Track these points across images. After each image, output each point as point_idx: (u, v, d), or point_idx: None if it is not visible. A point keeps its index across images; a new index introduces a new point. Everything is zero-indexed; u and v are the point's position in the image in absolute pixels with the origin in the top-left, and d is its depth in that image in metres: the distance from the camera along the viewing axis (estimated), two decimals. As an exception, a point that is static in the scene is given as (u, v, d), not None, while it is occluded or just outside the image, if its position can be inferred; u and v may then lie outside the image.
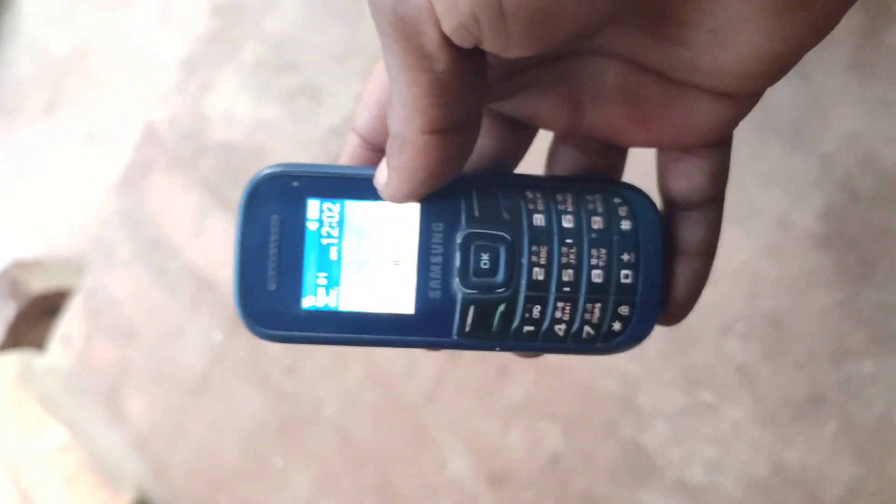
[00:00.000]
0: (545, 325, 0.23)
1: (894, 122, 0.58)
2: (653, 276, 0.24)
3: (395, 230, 0.23)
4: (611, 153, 0.25)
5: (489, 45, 0.17)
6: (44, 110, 1.01)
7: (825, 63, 0.58)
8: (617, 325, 0.24)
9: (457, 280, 0.23)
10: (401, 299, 0.23)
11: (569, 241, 0.23)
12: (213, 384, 0.82)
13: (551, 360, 0.69)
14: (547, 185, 0.24)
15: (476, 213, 0.23)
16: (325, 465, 0.78)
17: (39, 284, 0.93)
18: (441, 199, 0.23)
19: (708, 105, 0.21)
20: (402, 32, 0.17)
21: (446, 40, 0.17)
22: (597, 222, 0.23)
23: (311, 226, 0.23)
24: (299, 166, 0.23)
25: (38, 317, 0.94)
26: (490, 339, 0.23)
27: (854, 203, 0.59)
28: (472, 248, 0.23)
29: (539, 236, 0.23)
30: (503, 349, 0.24)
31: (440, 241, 0.23)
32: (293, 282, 0.23)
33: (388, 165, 0.21)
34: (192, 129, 0.81)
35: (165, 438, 0.86)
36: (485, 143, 0.24)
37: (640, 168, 0.28)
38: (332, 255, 0.23)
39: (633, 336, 0.24)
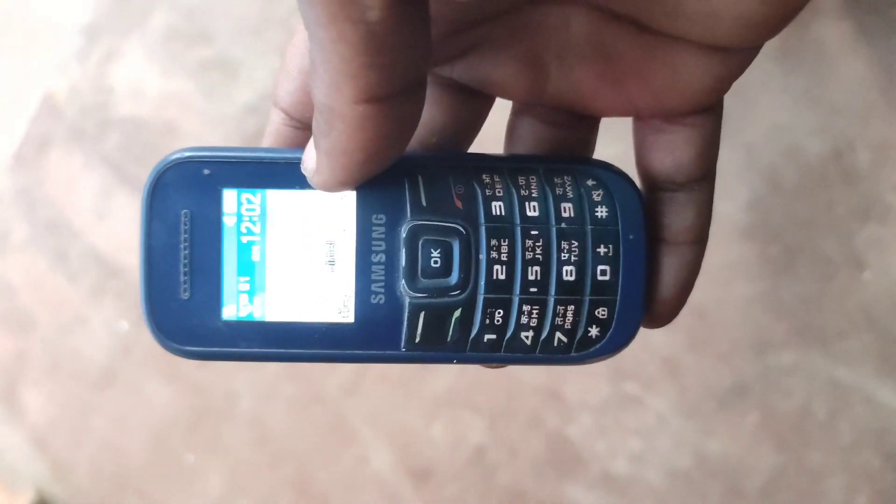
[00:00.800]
0: (509, 332, 0.20)
1: (817, 114, 0.58)
2: (635, 272, 0.21)
3: (329, 224, 0.20)
4: (580, 124, 0.22)
5: None
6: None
7: (753, 51, 0.58)
8: (594, 331, 0.21)
9: (403, 282, 0.20)
10: (338, 306, 0.20)
11: (534, 232, 0.20)
12: (119, 377, 0.77)
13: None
14: (507, 167, 0.20)
15: (423, 202, 0.20)
16: (241, 461, 0.75)
17: (-74, 269, 0.85)
18: (381, 185, 0.19)
19: (695, 61, 0.18)
20: None
21: None
22: (567, 209, 0.20)
23: (229, 221, 0.19)
24: (212, 150, 0.20)
25: (-75, 304, 0.86)
26: (445, 350, 0.20)
27: (777, 194, 0.59)
28: (420, 243, 0.20)
29: (499, 228, 0.20)
30: (462, 361, 0.21)
31: (382, 235, 0.20)
32: (210, 288, 0.20)
33: (317, 147, 0.17)
34: (95, 102, 0.75)
35: (67, 435, 0.80)
36: (432, 115, 0.20)
37: (618, 142, 0.23)
38: (255, 255, 0.20)
39: (613, 342, 0.21)
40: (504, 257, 0.20)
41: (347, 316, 0.20)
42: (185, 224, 0.19)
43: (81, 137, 0.76)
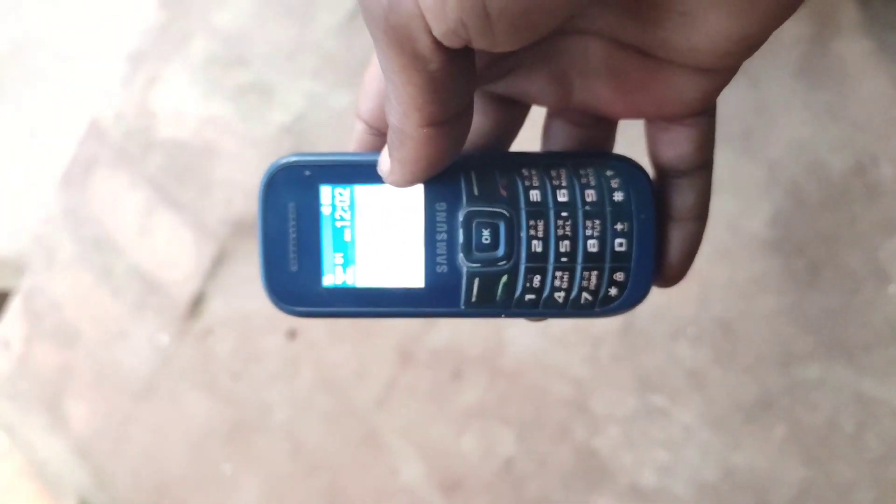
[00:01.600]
0: (545, 293, 0.25)
1: (839, 129, 0.59)
2: (646, 243, 0.25)
3: (403, 211, 0.25)
4: (602, 125, 0.26)
5: (478, 45, 0.18)
6: (-15, 104, 0.97)
7: (773, 70, 0.59)
8: (613, 291, 0.25)
9: (461, 255, 0.25)
10: (411, 274, 0.25)
11: (564, 214, 0.24)
12: (159, 389, 0.80)
13: (505, 363, 0.68)
14: (541, 162, 0.25)
15: (476, 192, 0.25)
16: (275, 471, 0.77)
17: (-23, 285, 0.89)
18: (442, 179, 0.24)
19: (686, 79, 0.22)
20: (395, 39, 0.18)
21: (437, 43, 0.18)
22: (590, 195, 0.25)
23: (325, 210, 0.25)
24: (310, 155, 0.25)
25: (-24, 319, 0.90)
26: (495, 307, 0.25)
27: (801, 209, 0.59)
28: (474, 224, 0.25)
29: (536, 211, 0.24)
30: (508, 316, 0.25)
31: (444, 219, 0.25)
32: (313, 262, 0.25)
33: (391, 156, 0.22)
34: (139, 125, 0.79)
35: (109, 445, 0.83)
36: (481, 121, 0.26)
37: (634, 139, 0.28)
38: (347, 237, 0.25)
39: (629, 299, 0.25)
40: (540, 234, 0.24)
41: (419, 282, 0.25)
42: (292, 213, 0.25)
43: (126, 159, 0.79)
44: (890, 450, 0.58)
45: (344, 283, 0.25)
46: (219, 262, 0.77)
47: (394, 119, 0.21)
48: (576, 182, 0.25)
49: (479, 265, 0.25)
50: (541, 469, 0.68)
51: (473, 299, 0.25)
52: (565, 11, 0.18)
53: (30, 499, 0.84)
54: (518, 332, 0.68)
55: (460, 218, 0.25)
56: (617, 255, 0.25)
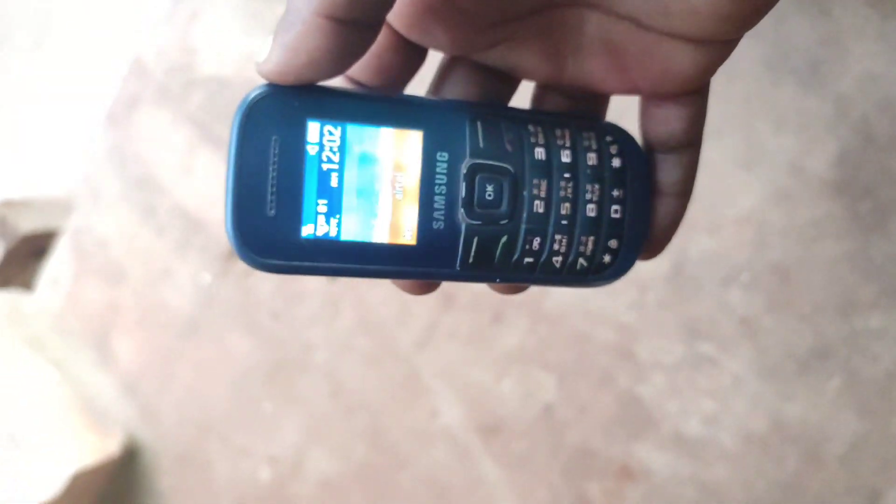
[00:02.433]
0: (543, 256, 0.23)
1: (918, 63, 0.55)
2: (639, 212, 0.25)
3: (399, 158, 0.22)
4: (594, 99, 0.26)
5: None
6: (31, 46, 0.97)
7: (848, -3, 0.55)
8: (607, 258, 0.24)
9: (461, 211, 0.23)
10: (403, 229, 0.22)
11: (567, 175, 0.23)
12: (202, 328, 0.81)
13: (547, 307, 0.66)
14: (547, 120, 0.24)
15: (481, 144, 0.23)
16: (316, 411, 0.77)
17: (28, 224, 0.91)
18: (445, 127, 0.22)
19: (684, 53, 0.21)
20: None
21: None
22: (591, 158, 0.24)
23: (311, 150, 0.21)
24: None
25: (27, 257, 0.92)
26: (491, 270, 0.23)
27: (870, 148, 0.56)
28: (477, 179, 0.23)
29: (540, 170, 0.23)
30: (503, 280, 0.24)
31: (444, 170, 0.23)
32: (292, 209, 0.21)
33: (274, 39, 0.20)
34: (180, 63, 0.78)
35: (154, 382, 0.85)
36: (469, 92, 0.24)
37: (622, 111, 0.28)
38: (333, 182, 0.22)
39: (619, 268, 0.25)
40: (543, 194, 0.23)
41: (410, 238, 0.22)
42: (273, 149, 0.21)
43: (168, 97, 0.79)
44: (954, 404, 0.55)
45: (326, 234, 0.22)
46: (260, 203, 0.77)
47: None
48: (579, 144, 0.24)
49: (480, 223, 0.23)
50: (581, 416, 0.67)
51: (471, 260, 0.23)
52: None
53: (78, 432, 0.87)
54: (562, 276, 0.66)
55: (463, 171, 0.23)
56: (612, 222, 0.24)
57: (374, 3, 0.19)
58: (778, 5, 0.21)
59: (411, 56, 0.24)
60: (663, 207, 0.26)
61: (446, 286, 0.26)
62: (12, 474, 0.83)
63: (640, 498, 0.65)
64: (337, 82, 0.22)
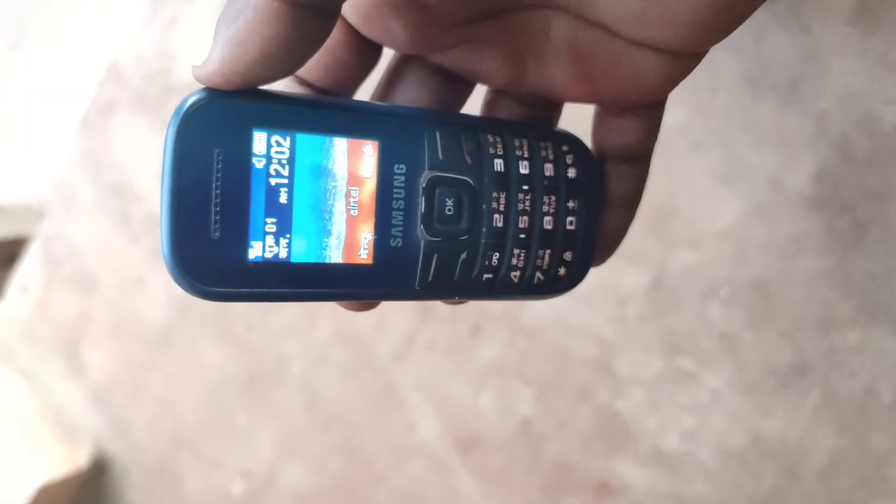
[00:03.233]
0: (502, 272, 0.23)
1: (895, 80, 0.55)
2: (591, 223, 0.24)
3: (354, 170, 0.20)
4: (548, 106, 0.25)
5: None
6: (6, 49, 0.95)
7: (826, 15, 0.55)
8: (562, 270, 0.24)
9: (421, 227, 0.21)
10: (359, 248, 0.21)
11: (525, 187, 0.22)
12: (176, 338, 0.79)
13: (526, 320, 0.66)
14: (505, 130, 0.23)
15: (440, 156, 0.21)
16: (291, 424, 0.76)
17: (-2, 230, 0.89)
18: (402, 136, 0.21)
19: (653, 64, 0.21)
20: None
21: None
22: (548, 169, 0.23)
23: (258, 163, 0.19)
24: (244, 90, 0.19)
25: (-3, 264, 0.90)
26: (450, 288, 0.22)
27: (849, 165, 0.56)
28: (437, 193, 0.21)
29: (500, 182, 0.22)
30: (462, 297, 0.23)
31: (402, 184, 0.21)
32: (237, 230, 0.19)
33: (217, 35, 0.17)
34: (158, 68, 0.77)
35: (125, 393, 0.83)
36: (419, 95, 0.23)
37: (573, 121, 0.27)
38: (282, 198, 0.20)
39: (572, 280, 0.24)
40: (502, 208, 0.22)
41: (366, 257, 0.21)
42: (216, 164, 0.19)
43: (145, 103, 0.78)
44: (931, 421, 0.56)
45: (276, 256, 0.20)
46: (238, 211, 0.76)
47: None
48: (537, 154, 0.23)
49: (440, 239, 0.21)
50: (560, 430, 0.66)
51: (430, 278, 0.22)
52: None
53: (47, 444, 0.85)
54: (542, 289, 0.66)
55: (423, 184, 0.21)
56: (567, 234, 0.23)
57: None
58: (758, 22, 0.21)
59: (365, 54, 0.22)
60: (613, 218, 0.25)
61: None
62: (-24, 487, 0.80)
63: (619, 514, 0.64)
64: (283, 82, 0.21)
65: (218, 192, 0.19)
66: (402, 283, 0.22)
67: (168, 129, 0.19)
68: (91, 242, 0.82)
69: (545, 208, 0.23)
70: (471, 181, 0.22)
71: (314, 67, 0.22)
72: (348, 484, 0.74)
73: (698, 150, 0.58)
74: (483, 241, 0.22)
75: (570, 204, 0.23)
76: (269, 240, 0.20)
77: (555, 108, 0.25)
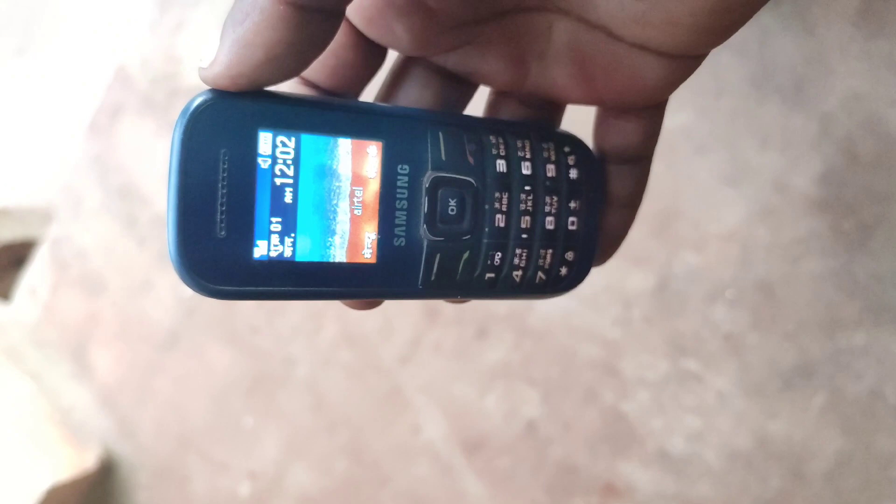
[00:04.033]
0: (504, 271, 0.23)
1: (901, 82, 0.55)
2: (592, 223, 0.24)
3: (358, 170, 0.21)
4: (550, 107, 0.25)
5: None
6: (14, 53, 0.96)
7: (831, 16, 0.55)
8: (564, 270, 0.24)
9: (424, 227, 0.21)
10: (363, 247, 0.21)
11: (527, 187, 0.23)
12: (183, 340, 0.80)
13: (532, 322, 0.66)
14: (507, 130, 0.23)
15: (443, 157, 0.21)
16: (296, 425, 0.76)
17: (6, 233, 0.89)
18: (406, 137, 0.21)
19: (653, 66, 0.21)
20: None
21: None
22: (550, 170, 0.23)
23: (263, 163, 0.19)
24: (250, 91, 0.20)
25: (5, 267, 0.90)
26: (453, 287, 0.22)
27: (854, 167, 0.56)
28: (440, 193, 0.22)
29: (502, 183, 0.22)
30: (464, 297, 0.23)
31: (405, 184, 0.21)
32: (243, 229, 0.19)
33: (223, 38, 0.18)
34: (165, 72, 0.77)
35: (132, 395, 0.83)
36: (424, 96, 0.24)
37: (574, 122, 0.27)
38: (288, 198, 0.20)
39: (574, 280, 0.24)
40: (504, 208, 0.22)
41: (370, 256, 0.21)
42: (222, 164, 0.19)
43: (152, 106, 0.78)
44: (937, 422, 0.55)
45: (281, 255, 0.20)
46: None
47: None
48: (538, 155, 0.23)
49: (442, 239, 0.22)
50: (565, 432, 0.66)
51: (433, 277, 0.22)
52: None
53: (54, 445, 0.85)
54: (547, 291, 0.66)
55: (426, 184, 0.21)
56: (569, 234, 0.24)
57: None
58: (763, 24, 0.21)
59: (370, 55, 0.23)
60: (614, 218, 0.26)
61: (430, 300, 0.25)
62: (-16, 489, 0.81)
63: (624, 516, 0.64)
64: (289, 83, 0.21)
65: (224, 191, 0.19)
66: (404, 282, 0.22)
67: (175, 129, 0.19)
68: (98, 245, 0.83)
69: (547, 208, 0.23)
70: (473, 181, 0.22)
71: (319, 69, 0.22)
72: (354, 485, 0.74)
73: (703, 153, 0.59)
74: (485, 240, 0.22)
75: (572, 204, 0.24)
76: (274, 239, 0.20)
77: (557, 110, 0.26)
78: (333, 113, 0.21)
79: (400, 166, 0.21)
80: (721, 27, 0.19)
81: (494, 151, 0.22)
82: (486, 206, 0.22)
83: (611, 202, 0.25)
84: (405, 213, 0.21)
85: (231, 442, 0.79)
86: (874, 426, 0.57)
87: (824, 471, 0.59)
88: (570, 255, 0.24)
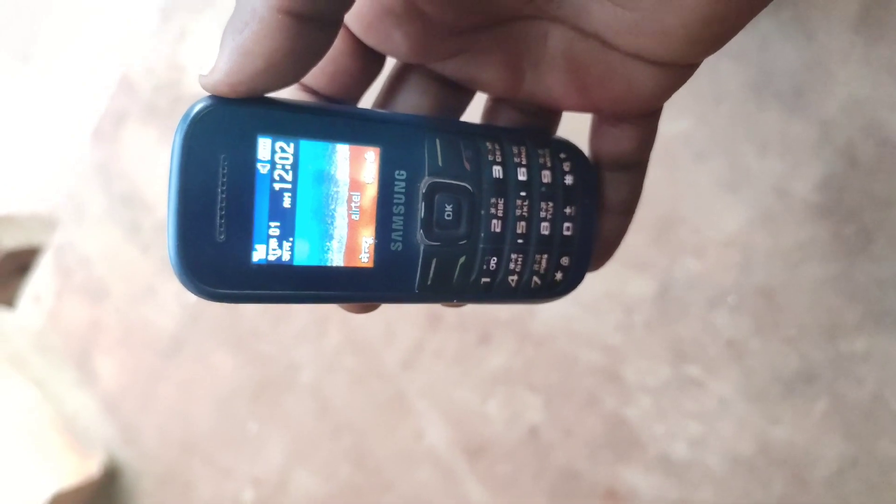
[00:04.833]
0: (499, 276, 0.23)
1: (901, 88, 0.55)
2: (588, 229, 0.25)
3: (355, 176, 0.21)
4: (546, 114, 0.25)
5: None
6: (18, 60, 0.97)
7: (831, 22, 0.55)
8: (559, 275, 0.24)
9: (420, 232, 0.22)
10: (360, 252, 0.21)
11: (523, 193, 0.23)
12: (186, 346, 0.80)
13: (534, 328, 0.66)
14: (503, 137, 0.24)
15: (440, 163, 0.22)
16: (300, 431, 0.76)
17: (10, 240, 0.90)
18: (403, 143, 0.22)
19: (647, 75, 0.21)
20: None
21: None
22: (546, 176, 0.24)
23: (262, 168, 0.20)
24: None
25: (9, 274, 0.91)
26: (448, 291, 0.23)
27: (854, 172, 0.56)
28: (436, 198, 0.22)
29: (498, 189, 0.23)
30: (460, 301, 0.24)
31: (402, 189, 0.22)
32: (242, 233, 0.20)
33: (223, 46, 0.18)
34: (168, 80, 0.78)
35: (136, 401, 0.83)
36: (422, 102, 0.24)
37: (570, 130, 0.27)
38: (286, 203, 0.20)
39: (569, 285, 0.25)
40: (500, 213, 0.23)
41: (367, 261, 0.21)
42: (221, 169, 0.19)
43: (155, 113, 0.79)
44: (939, 428, 0.55)
45: (279, 259, 0.20)
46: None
47: None
48: (534, 161, 0.23)
49: (439, 244, 0.22)
50: (567, 438, 0.66)
51: (429, 282, 0.22)
52: None
53: (58, 452, 0.85)
54: (549, 297, 0.66)
55: (422, 190, 0.22)
56: (564, 240, 0.24)
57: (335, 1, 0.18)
58: (762, 30, 0.21)
59: (368, 62, 0.23)
60: (609, 224, 0.26)
61: (433, 306, 0.26)
62: (-11, 495, 0.81)
63: (627, 521, 0.64)
64: (288, 90, 0.21)
65: (223, 196, 0.19)
66: (401, 286, 0.22)
67: (175, 135, 0.19)
68: (102, 252, 0.83)
69: (542, 214, 0.23)
70: (470, 187, 0.22)
71: (319, 76, 0.23)
72: (357, 491, 0.74)
73: (703, 159, 0.59)
74: (481, 245, 0.23)
75: (567, 210, 0.24)
76: (273, 243, 0.20)
77: (553, 117, 0.26)
78: (332, 119, 0.21)
79: (397, 172, 0.22)
80: (714, 37, 0.19)
81: (491, 158, 0.23)
82: (483, 212, 0.22)
83: (606, 208, 0.26)
84: (402, 218, 0.22)
85: (235, 448, 0.79)
86: (876, 431, 0.57)
87: (826, 476, 0.58)
88: (565, 261, 0.24)
